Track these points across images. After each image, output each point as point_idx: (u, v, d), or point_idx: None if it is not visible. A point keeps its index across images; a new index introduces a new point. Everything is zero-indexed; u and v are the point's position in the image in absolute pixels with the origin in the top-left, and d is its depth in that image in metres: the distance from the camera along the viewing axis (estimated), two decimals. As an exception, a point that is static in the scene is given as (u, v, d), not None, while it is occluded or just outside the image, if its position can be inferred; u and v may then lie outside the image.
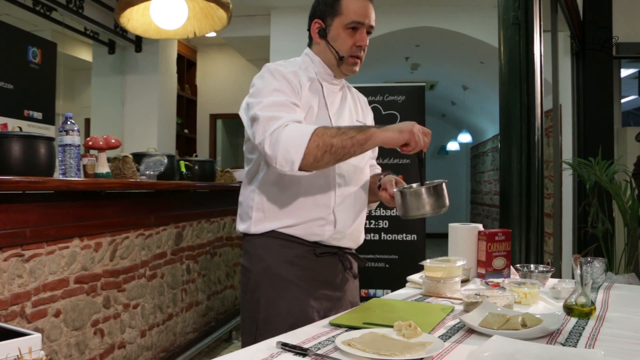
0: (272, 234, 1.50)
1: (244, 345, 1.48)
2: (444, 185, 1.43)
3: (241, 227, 1.58)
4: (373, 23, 1.54)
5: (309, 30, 1.58)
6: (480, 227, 1.89)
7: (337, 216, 1.50)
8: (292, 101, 1.43)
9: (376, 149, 1.77)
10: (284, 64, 1.53)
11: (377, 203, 1.74)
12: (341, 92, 1.62)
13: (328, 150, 1.31)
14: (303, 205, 1.48)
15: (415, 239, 3.84)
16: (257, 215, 1.52)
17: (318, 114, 1.50)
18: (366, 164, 1.64)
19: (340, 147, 1.32)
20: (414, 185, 1.47)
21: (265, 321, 1.47)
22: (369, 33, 1.55)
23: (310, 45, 1.61)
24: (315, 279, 1.52)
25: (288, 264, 1.49)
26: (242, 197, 1.58)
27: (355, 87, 1.77)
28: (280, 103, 1.40)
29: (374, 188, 1.63)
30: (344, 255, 1.57)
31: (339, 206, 1.51)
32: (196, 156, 4.05)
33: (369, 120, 1.73)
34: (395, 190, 1.47)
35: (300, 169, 1.33)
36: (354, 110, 1.64)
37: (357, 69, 1.56)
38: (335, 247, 1.55)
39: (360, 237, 1.63)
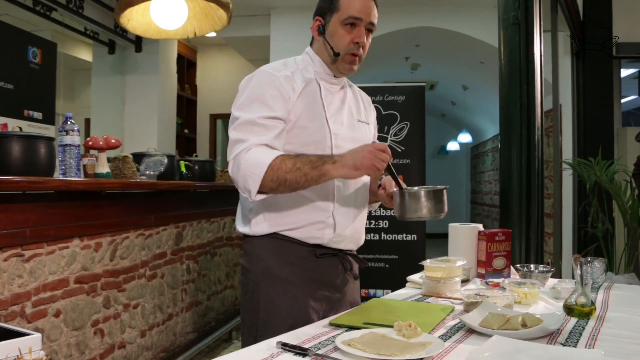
0: (272, 236, 1.50)
1: (244, 345, 1.48)
2: (444, 191, 1.42)
3: (241, 228, 1.57)
4: (373, 20, 1.50)
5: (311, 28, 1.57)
6: (480, 227, 1.89)
7: (337, 220, 1.49)
8: (270, 115, 1.41)
9: None
10: (280, 66, 1.51)
11: (379, 203, 1.72)
12: (341, 92, 1.59)
13: (282, 184, 1.36)
14: (302, 208, 1.47)
15: (415, 239, 3.85)
16: (256, 218, 1.51)
17: (314, 116, 1.47)
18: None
19: (294, 182, 1.36)
20: (415, 187, 1.47)
21: (265, 322, 1.47)
22: (370, 31, 1.51)
23: (312, 44, 1.58)
24: (315, 279, 1.51)
25: (288, 265, 1.49)
26: (242, 199, 1.57)
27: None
28: (252, 122, 1.40)
29: (374, 188, 1.62)
30: (344, 257, 1.57)
31: (338, 209, 1.50)
32: (196, 156, 4.05)
33: (372, 119, 1.70)
34: (394, 190, 1.46)
35: (260, 192, 1.38)
36: (355, 110, 1.61)
37: (355, 67, 1.52)
38: (335, 249, 1.54)
39: (361, 239, 1.62)
